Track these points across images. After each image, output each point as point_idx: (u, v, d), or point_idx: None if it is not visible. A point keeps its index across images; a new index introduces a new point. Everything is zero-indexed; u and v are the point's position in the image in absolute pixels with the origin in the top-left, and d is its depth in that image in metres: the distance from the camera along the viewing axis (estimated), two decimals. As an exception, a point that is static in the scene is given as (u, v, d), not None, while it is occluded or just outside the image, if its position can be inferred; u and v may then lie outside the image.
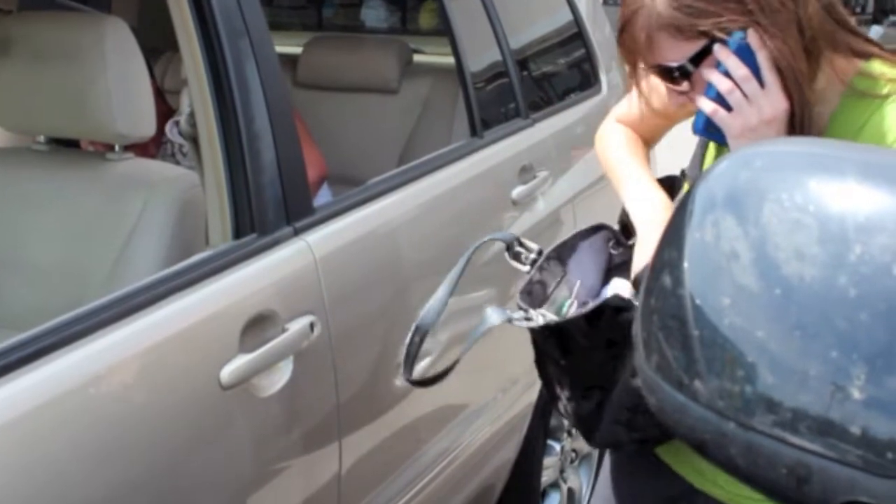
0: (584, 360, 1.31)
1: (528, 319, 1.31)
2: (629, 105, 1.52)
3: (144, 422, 1.35)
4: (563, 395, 1.36)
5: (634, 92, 1.38)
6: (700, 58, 1.16)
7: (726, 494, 1.33)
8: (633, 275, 1.36)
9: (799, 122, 1.15)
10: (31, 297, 1.79)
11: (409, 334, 1.35)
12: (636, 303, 1.24)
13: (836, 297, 0.58)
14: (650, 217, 1.35)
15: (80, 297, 1.61)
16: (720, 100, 1.15)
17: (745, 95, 1.14)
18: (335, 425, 1.71)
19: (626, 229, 1.46)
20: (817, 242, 0.60)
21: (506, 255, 1.45)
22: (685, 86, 1.20)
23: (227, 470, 1.49)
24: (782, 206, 0.62)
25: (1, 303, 1.81)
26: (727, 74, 1.14)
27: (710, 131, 1.19)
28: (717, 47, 1.14)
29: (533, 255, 1.43)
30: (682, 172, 1.43)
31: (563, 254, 1.42)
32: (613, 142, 1.52)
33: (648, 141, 1.54)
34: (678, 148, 1.42)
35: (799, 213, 0.61)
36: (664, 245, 0.68)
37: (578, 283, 1.40)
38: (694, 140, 1.36)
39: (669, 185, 1.44)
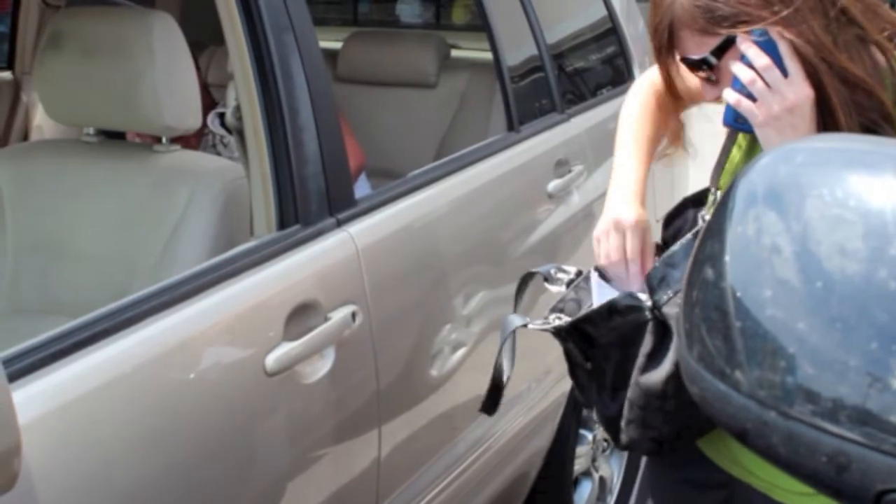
0: (604, 360, 1.33)
1: (544, 323, 1.35)
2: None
3: (192, 407, 1.38)
4: (594, 399, 1.38)
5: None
6: (723, 50, 1.18)
7: (764, 484, 1.34)
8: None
9: (838, 108, 1.15)
10: (81, 285, 1.83)
11: (491, 380, 1.40)
12: (647, 303, 1.27)
13: (877, 290, 0.59)
14: (612, 205, 1.40)
15: (128, 286, 1.66)
16: (745, 90, 1.17)
17: (767, 85, 1.15)
18: (375, 412, 1.74)
19: (665, 245, 1.47)
20: (857, 237, 0.61)
21: (544, 282, 1.48)
22: (713, 77, 1.22)
23: (272, 454, 1.52)
24: (823, 201, 0.63)
25: (52, 290, 1.86)
26: (751, 65, 1.16)
27: (738, 122, 1.21)
28: (739, 39, 1.16)
29: (570, 276, 1.45)
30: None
31: (604, 272, 1.44)
32: (634, 110, 1.49)
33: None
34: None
35: (840, 208, 0.63)
36: (706, 238, 0.70)
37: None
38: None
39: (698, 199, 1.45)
